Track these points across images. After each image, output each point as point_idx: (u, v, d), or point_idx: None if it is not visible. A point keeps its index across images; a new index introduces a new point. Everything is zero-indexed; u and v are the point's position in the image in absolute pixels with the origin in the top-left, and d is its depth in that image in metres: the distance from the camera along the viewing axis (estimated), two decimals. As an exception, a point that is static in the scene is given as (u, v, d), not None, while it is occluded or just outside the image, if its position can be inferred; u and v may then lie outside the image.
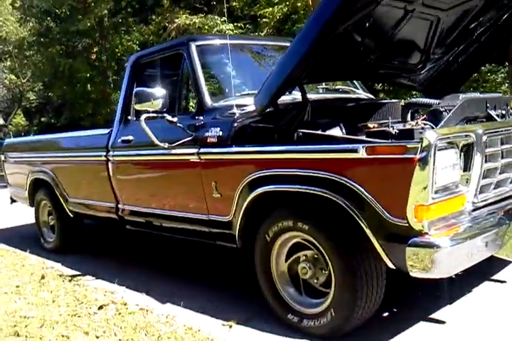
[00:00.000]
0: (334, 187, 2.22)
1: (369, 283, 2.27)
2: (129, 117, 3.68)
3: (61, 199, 4.50)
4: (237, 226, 2.79)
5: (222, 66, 3.31)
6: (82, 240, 4.81)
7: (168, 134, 3.13)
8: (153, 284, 3.59)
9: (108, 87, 15.72)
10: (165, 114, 3.11)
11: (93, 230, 5.52)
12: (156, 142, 3.10)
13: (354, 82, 3.88)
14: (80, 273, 4.06)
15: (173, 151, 3.13)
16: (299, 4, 14.81)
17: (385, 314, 2.71)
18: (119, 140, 3.65)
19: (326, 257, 2.36)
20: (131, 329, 2.82)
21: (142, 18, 17.47)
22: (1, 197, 6.65)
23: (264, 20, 16.30)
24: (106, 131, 3.93)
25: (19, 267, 4.40)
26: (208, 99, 3.04)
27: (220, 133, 2.82)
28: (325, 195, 2.25)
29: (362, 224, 2.14)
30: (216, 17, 16.83)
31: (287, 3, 15.20)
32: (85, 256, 4.63)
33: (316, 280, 2.51)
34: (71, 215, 4.52)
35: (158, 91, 3.08)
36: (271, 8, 15.65)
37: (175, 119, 3.12)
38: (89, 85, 15.13)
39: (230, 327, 2.72)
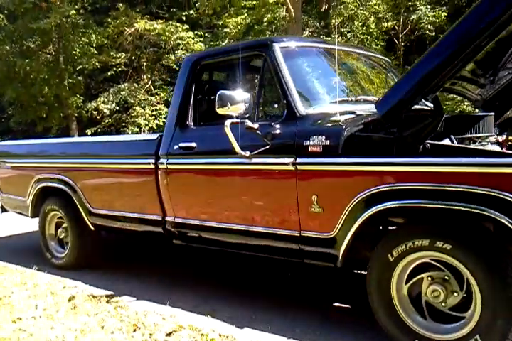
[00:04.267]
0: (494, 204, 2.07)
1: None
2: (187, 122, 3.36)
3: (82, 210, 4.04)
4: (343, 245, 2.57)
5: (308, 70, 3.09)
6: (100, 255, 4.36)
7: (243, 141, 2.87)
8: (214, 305, 3.26)
9: (64, 90, 14.86)
10: (246, 120, 2.85)
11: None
12: (238, 150, 2.83)
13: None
14: (113, 293, 3.64)
15: (256, 160, 2.87)
16: (268, 16, 14.87)
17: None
18: (176, 147, 3.32)
19: (471, 280, 2.19)
20: (224, 359, 2.52)
21: (97, 20, 16.83)
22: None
23: (225, 30, 16.23)
24: (153, 136, 3.58)
25: (32, 286, 3.89)
26: (300, 106, 2.82)
27: (327, 142, 2.59)
28: (484, 212, 2.09)
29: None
30: (178, 24, 16.56)
31: (252, 13, 15.20)
32: (106, 272, 4.19)
33: (444, 304, 2.34)
34: (92, 228, 4.08)
35: (242, 94, 2.83)
36: (234, 19, 15.59)
37: (256, 126, 2.87)
38: (46, 87, 14.22)
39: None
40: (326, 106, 2.87)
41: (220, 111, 2.82)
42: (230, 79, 3.29)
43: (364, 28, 14.35)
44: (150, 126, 16.45)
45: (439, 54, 2.19)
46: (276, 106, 2.96)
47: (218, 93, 2.82)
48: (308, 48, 3.16)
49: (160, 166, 3.40)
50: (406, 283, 2.44)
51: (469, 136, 2.78)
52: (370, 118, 2.66)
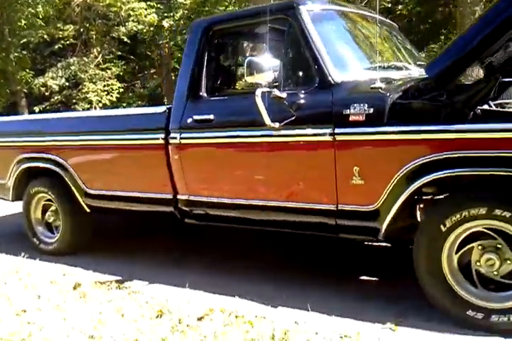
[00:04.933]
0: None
1: None
2: (201, 93, 3.12)
3: (76, 191, 3.75)
4: (388, 217, 2.48)
5: (337, 35, 2.91)
6: (95, 238, 4.08)
7: (271, 112, 2.69)
8: (237, 285, 3.10)
9: (10, 64, 13.87)
10: (274, 89, 2.67)
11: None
12: (268, 121, 2.65)
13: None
14: (120, 277, 3.41)
15: (286, 132, 2.71)
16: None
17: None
18: (190, 120, 3.09)
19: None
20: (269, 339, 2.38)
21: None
22: None
23: (179, 0, 15.64)
24: (159, 109, 3.32)
25: (26, 275, 3.60)
26: (334, 73, 2.65)
27: (371, 110, 2.45)
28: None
29: None
30: (129, -6, 15.72)
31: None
32: (105, 256, 3.92)
33: (496, 273, 2.30)
34: (87, 210, 3.80)
35: (272, 61, 2.64)
36: (189, -12, 15.00)
37: (283, 95, 2.69)
38: (-9, 62, 13.21)
39: (393, 330, 2.41)
40: (359, 72, 2.73)
41: (249, 79, 2.62)
42: (247, 46, 3.07)
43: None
44: (103, 102, 15.72)
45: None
46: (304, 73, 2.77)
47: (247, 60, 2.61)
48: (334, 11, 2.98)
49: (171, 141, 3.16)
50: (456, 252, 2.38)
51: (499, 101, 2.72)
52: (409, 85, 2.54)
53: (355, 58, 2.87)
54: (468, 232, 2.33)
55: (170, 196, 3.29)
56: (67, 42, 15.97)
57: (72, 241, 3.95)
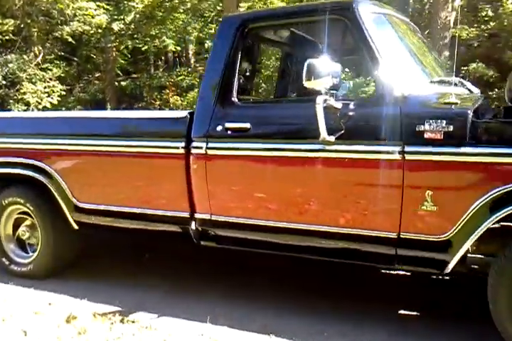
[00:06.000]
0: None
1: None
2: (233, 99, 2.74)
3: (64, 205, 3.20)
4: (461, 249, 2.22)
5: (396, 43, 2.65)
6: (78, 259, 3.52)
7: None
8: (263, 318, 2.71)
9: None
10: (330, 98, 2.36)
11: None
12: (324, 134, 2.33)
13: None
14: (120, 308, 2.90)
15: (343, 147, 2.40)
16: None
17: None
18: (219, 127, 2.70)
19: None
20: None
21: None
22: None
23: (130, 3, 15.09)
24: (179, 113, 2.89)
25: (1, 303, 3.00)
26: (402, 84, 2.38)
27: (450, 127, 2.20)
28: None
29: None
30: (78, -8, 14.93)
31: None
32: (96, 281, 3.35)
33: None
34: (75, 227, 3.26)
35: (332, 65, 2.33)
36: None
37: (339, 105, 2.40)
38: None
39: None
40: (425, 85, 2.48)
41: (308, 84, 2.30)
42: (296, 48, 2.72)
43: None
44: (43, 104, 14.66)
45: None
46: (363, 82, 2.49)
47: (306, 62, 2.29)
48: (387, 16, 2.71)
49: (194, 151, 2.75)
50: (538, 289, 2.17)
51: None
52: (485, 102, 2.34)
53: (417, 69, 2.63)
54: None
55: (186, 214, 2.86)
56: (6, 37, 14.86)
57: (53, 263, 3.36)
